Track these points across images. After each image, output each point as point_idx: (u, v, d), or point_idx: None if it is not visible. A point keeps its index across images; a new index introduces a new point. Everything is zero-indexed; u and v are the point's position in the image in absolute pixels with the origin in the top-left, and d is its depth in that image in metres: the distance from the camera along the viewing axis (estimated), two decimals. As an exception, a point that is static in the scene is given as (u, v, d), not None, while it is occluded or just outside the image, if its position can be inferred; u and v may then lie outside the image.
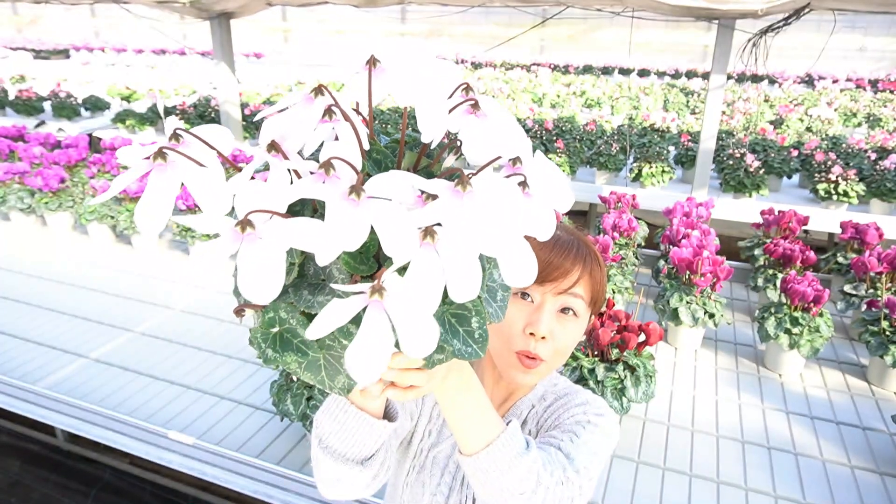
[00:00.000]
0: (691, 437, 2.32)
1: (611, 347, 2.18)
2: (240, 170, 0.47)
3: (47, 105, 8.22)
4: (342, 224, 0.43)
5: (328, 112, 0.51)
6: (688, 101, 9.84)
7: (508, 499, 0.70)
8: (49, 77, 10.83)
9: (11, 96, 8.29)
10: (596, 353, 2.21)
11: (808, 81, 12.88)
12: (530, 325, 0.82)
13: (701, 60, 15.73)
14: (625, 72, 14.72)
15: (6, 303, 3.29)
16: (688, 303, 2.84)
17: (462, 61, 14.84)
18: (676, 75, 14.37)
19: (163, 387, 2.56)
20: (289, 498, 1.97)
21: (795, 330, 2.63)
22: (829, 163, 4.96)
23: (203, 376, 2.63)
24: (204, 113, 7.25)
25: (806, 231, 4.22)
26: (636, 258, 3.44)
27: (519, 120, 6.74)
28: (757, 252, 3.50)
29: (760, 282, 3.27)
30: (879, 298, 2.75)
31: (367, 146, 0.52)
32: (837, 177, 4.75)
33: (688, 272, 2.87)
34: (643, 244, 3.84)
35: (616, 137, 5.60)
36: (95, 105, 8.08)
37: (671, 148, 5.92)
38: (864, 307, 2.84)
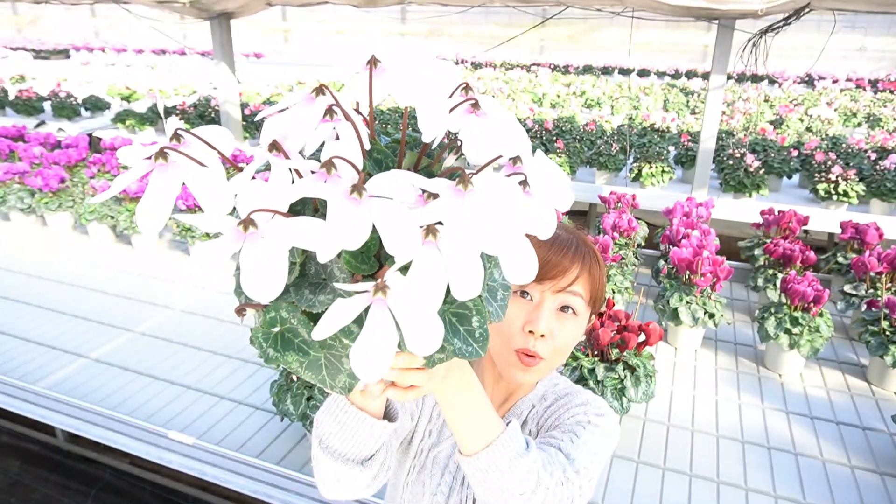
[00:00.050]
0: (691, 437, 2.32)
1: (611, 347, 2.18)
2: (240, 170, 0.47)
3: (47, 105, 8.23)
4: (344, 223, 0.43)
5: (329, 112, 0.51)
6: (688, 101, 9.85)
7: (508, 499, 0.70)
8: (49, 77, 10.83)
9: (11, 96, 8.29)
10: (596, 353, 2.21)
11: (808, 81, 12.88)
12: (529, 322, 0.82)
13: (701, 60, 15.74)
14: (625, 72, 14.73)
15: (6, 303, 3.29)
16: (688, 303, 2.84)
17: (462, 61, 14.84)
18: (676, 75, 14.38)
19: (163, 387, 2.56)
20: (289, 498, 1.97)
21: (795, 330, 2.63)
22: (829, 163, 4.96)
23: (203, 376, 2.63)
24: (204, 113, 7.25)
25: (806, 231, 4.23)
26: (636, 258, 3.44)
27: (519, 120, 6.72)
28: (757, 252, 3.50)
29: (760, 282, 3.28)
30: (879, 298, 2.75)
31: (367, 146, 0.52)
32: (837, 177, 4.75)
33: (688, 272, 2.87)
34: (643, 244, 3.84)
35: (616, 137, 5.60)
36: (95, 105, 8.08)
37: (671, 148, 5.93)
38: (864, 307, 2.84)
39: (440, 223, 0.44)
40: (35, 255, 3.96)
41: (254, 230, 0.43)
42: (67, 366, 2.70)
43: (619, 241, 3.35)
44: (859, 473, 2.15)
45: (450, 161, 0.57)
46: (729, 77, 9.04)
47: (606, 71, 14.89)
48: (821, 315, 2.68)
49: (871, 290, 2.98)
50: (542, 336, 0.82)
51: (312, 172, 0.47)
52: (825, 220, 4.47)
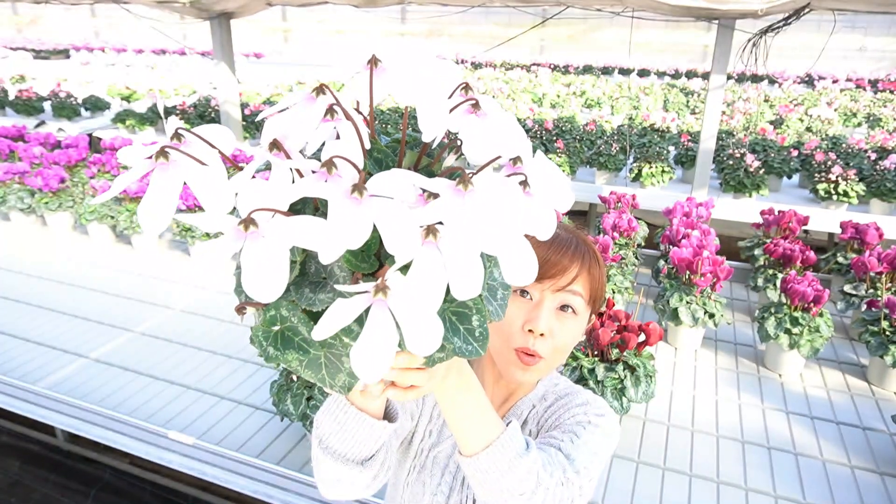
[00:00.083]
0: (691, 437, 2.32)
1: (611, 347, 2.18)
2: (241, 169, 0.47)
3: (47, 105, 8.23)
4: (344, 222, 0.43)
5: (330, 111, 0.51)
6: (688, 101, 9.85)
7: (508, 499, 0.70)
8: (49, 77, 10.83)
9: (11, 96, 8.29)
10: (596, 353, 2.21)
11: (808, 81, 12.88)
12: (529, 321, 0.82)
13: (701, 60, 15.74)
14: (625, 72, 14.73)
15: (6, 303, 3.29)
16: (688, 303, 2.84)
17: (462, 61, 14.84)
18: (676, 75, 14.38)
19: (163, 387, 2.56)
20: (289, 498, 1.97)
21: (795, 330, 2.63)
22: (829, 163, 4.96)
23: (203, 376, 2.63)
24: (204, 113, 7.25)
25: (806, 231, 4.23)
26: (636, 258, 3.44)
27: (519, 120, 6.71)
28: (757, 252, 3.50)
29: (760, 282, 3.28)
30: (879, 298, 2.75)
31: (368, 145, 0.52)
32: (837, 177, 4.75)
33: (688, 272, 2.87)
34: (643, 244, 3.84)
35: (616, 137, 5.60)
36: (95, 105, 8.08)
37: (671, 148, 5.93)
38: (864, 307, 2.84)
39: (440, 223, 0.44)
40: (35, 255, 3.96)
41: (254, 229, 0.43)
42: (67, 366, 2.70)
43: (619, 241, 3.35)
44: (859, 473, 2.15)
45: (450, 161, 0.57)
46: (729, 77, 9.04)
47: (606, 71, 14.89)
48: (821, 315, 2.68)
49: (871, 290, 2.98)
50: (541, 335, 0.82)
51: (313, 172, 0.47)
52: (825, 220, 4.47)
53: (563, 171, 5.29)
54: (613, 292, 2.87)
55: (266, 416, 2.36)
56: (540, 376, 0.89)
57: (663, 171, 5.11)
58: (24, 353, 2.79)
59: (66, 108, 7.67)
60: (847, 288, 3.12)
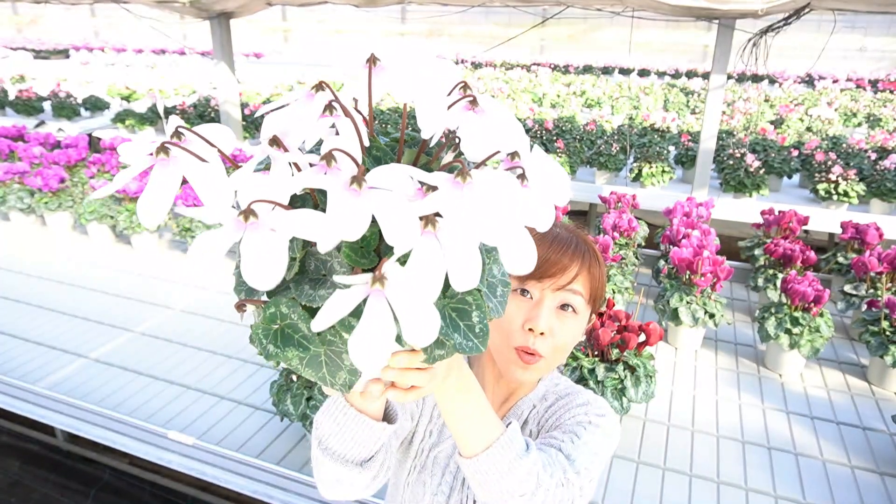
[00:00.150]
0: (691, 437, 2.32)
1: (611, 347, 2.18)
2: (240, 168, 0.48)
3: (47, 105, 8.23)
4: (344, 213, 0.44)
5: (328, 108, 0.51)
6: (688, 101, 9.85)
7: (508, 500, 0.70)
8: (49, 77, 10.83)
9: (11, 96, 8.29)
10: (596, 353, 2.21)
11: (809, 81, 12.89)
12: (529, 320, 0.82)
13: (701, 60, 15.75)
14: (625, 72, 14.73)
15: (6, 303, 3.29)
16: (688, 303, 2.84)
17: (462, 61, 14.84)
18: (676, 75, 14.38)
19: (163, 387, 2.56)
20: (289, 498, 1.97)
21: (796, 330, 2.63)
22: (830, 163, 4.96)
23: (203, 376, 2.63)
24: (204, 113, 7.25)
25: (806, 231, 4.23)
26: (636, 258, 3.44)
27: (519, 120, 6.72)
28: (757, 252, 3.50)
29: (761, 282, 3.27)
30: (880, 298, 2.75)
31: (367, 143, 0.52)
32: (838, 177, 4.75)
33: (688, 272, 2.87)
34: (643, 244, 3.84)
35: (616, 137, 5.60)
36: (95, 105, 8.09)
37: (671, 148, 5.93)
38: (864, 307, 2.84)
39: (439, 215, 0.45)
40: (35, 255, 3.96)
41: (254, 220, 0.44)
42: (67, 366, 2.70)
43: (620, 241, 3.34)
44: (859, 473, 2.15)
45: (448, 159, 0.57)
46: (729, 77, 9.04)
47: (606, 71, 14.89)
48: (821, 315, 2.68)
49: (872, 290, 2.98)
50: (541, 334, 0.82)
51: (311, 165, 0.48)
52: (825, 220, 4.47)
53: (565, 173, 5.28)
54: (613, 292, 2.87)
55: (266, 416, 2.36)
56: (540, 375, 0.89)
57: (663, 171, 5.11)
58: (23, 353, 2.79)
59: (65, 108, 7.67)
60: (847, 288, 3.12)
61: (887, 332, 2.61)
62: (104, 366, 2.71)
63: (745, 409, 2.50)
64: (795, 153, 5.50)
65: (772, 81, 12.54)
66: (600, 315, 2.18)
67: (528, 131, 6.18)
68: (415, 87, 0.51)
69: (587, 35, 16.35)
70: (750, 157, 4.98)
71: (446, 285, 0.45)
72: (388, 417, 0.75)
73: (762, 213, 3.73)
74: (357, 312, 0.46)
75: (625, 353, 2.19)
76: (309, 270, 0.51)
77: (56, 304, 3.26)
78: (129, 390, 2.53)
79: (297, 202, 0.51)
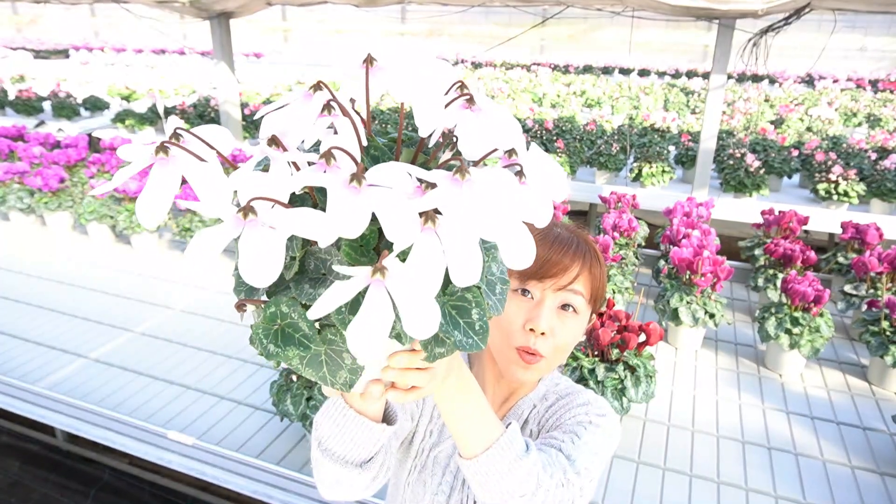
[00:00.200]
0: (691, 437, 2.31)
1: (611, 347, 2.18)
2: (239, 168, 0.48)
3: (47, 105, 8.23)
4: (344, 211, 0.44)
5: (327, 107, 0.51)
6: (688, 101, 9.85)
7: (508, 501, 0.70)
8: (49, 77, 10.83)
9: (11, 96, 8.29)
10: (596, 353, 2.21)
11: (809, 81, 12.88)
12: (530, 321, 0.82)
13: (701, 60, 15.74)
14: (625, 71, 14.72)
15: (6, 303, 3.29)
16: (688, 303, 2.84)
17: (462, 61, 14.84)
18: (677, 75, 14.38)
19: (163, 387, 2.56)
20: (289, 498, 1.97)
21: (796, 330, 2.63)
22: (830, 163, 4.96)
23: (203, 376, 2.63)
24: (204, 113, 7.25)
25: (806, 231, 4.22)
26: (636, 258, 3.44)
27: (519, 120, 6.74)
28: (757, 252, 3.50)
29: (761, 282, 3.27)
30: (880, 298, 2.74)
31: (365, 142, 0.53)
32: (838, 177, 4.75)
33: (688, 272, 2.87)
34: (643, 244, 3.84)
35: (616, 137, 5.60)
36: (95, 105, 8.09)
37: (671, 148, 5.92)
38: (864, 307, 2.84)
39: (438, 212, 0.45)
40: (35, 255, 3.96)
41: (253, 217, 0.44)
42: (67, 366, 2.70)
43: (620, 241, 3.34)
44: (859, 473, 2.15)
45: (445, 157, 0.58)
46: (729, 77, 9.04)
47: (606, 70, 14.88)
48: (821, 315, 2.68)
49: (872, 291, 2.98)
50: (542, 334, 0.82)
51: (309, 164, 0.48)
52: (826, 220, 4.47)
53: (563, 170, 5.28)
54: (614, 292, 2.87)
55: (266, 416, 2.36)
56: (541, 375, 0.89)
57: (663, 171, 5.11)
58: (23, 353, 2.79)
59: (65, 108, 7.67)
60: (847, 288, 3.12)
61: (887, 332, 2.61)
62: (104, 366, 2.71)
63: (746, 410, 2.49)
64: (795, 153, 5.50)
65: (772, 81, 12.54)
66: (600, 315, 2.18)
67: (528, 131, 6.18)
68: (412, 87, 0.51)
69: (587, 35, 16.35)
70: (750, 157, 4.98)
71: (446, 282, 0.45)
72: (387, 419, 0.75)
73: (762, 213, 3.73)
74: (355, 309, 0.46)
75: (625, 353, 2.19)
76: (309, 270, 0.51)
77: (56, 304, 3.25)
78: (129, 390, 2.53)
79: (296, 202, 0.51)
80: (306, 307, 0.50)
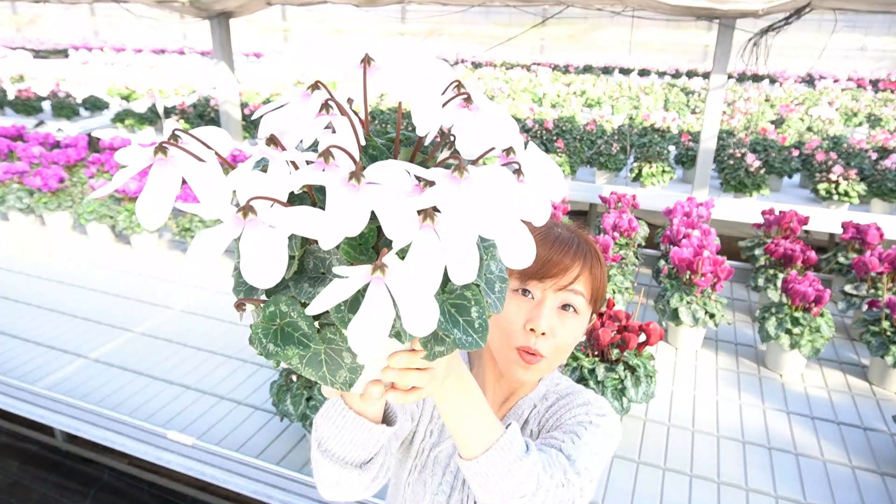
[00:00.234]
0: (692, 437, 2.31)
1: (611, 347, 2.18)
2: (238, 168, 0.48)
3: (46, 105, 8.23)
4: (343, 209, 0.44)
5: (325, 107, 0.51)
6: (688, 101, 9.84)
7: (508, 501, 0.70)
8: (48, 77, 10.83)
9: (11, 96, 8.29)
10: (596, 353, 2.20)
11: (809, 81, 12.88)
12: (531, 321, 0.82)
13: (701, 60, 15.74)
14: (625, 71, 14.71)
15: (6, 303, 3.28)
16: (688, 303, 2.84)
17: (462, 61, 14.84)
18: (677, 75, 14.37)
19: (162, 387, 2.56)
20: (288, 498, 1.97)
21: (796, 330, 2.63)
22: (830, 162, 4.96)
23: (203, 376, 2.63)
24: (203, 113, 7.25)
25: (807, 231, 4.22)
26: (636, 258, 3.43)
27: (519, 120, 6.73)
28: (757, 252, 3.50)
29: (761, 282, 3.27)
30: (880, 298, 2.74)
31: (363, 142, 0.53)
32: (838, 177, 4.75)
33: (688, 272, 2.86)
34: (643, 244, 3.84)
35: (616, 137, 5.60)
36: (94, 105, 8.08)
37: (671, 148, 5.92)
38: (865, 307, 2.84)
39: (437, 209, 0.45)
40: (35, 255, 3.95)
41: (253, 217, 0.44)
42: (67, 366, 2.70)
43: (620, 241, 3.34)
44: (860, 474, 2.15)
45: (443, 156, 0.58)
46: (729, 77, 9.04)
47: (607, 70, 14.88)
48: (822, 315, 2.68)
49: (872, 290, 2.98)
50: (542, 334, 0.82)
51: (308, 163, 0.48)
52: (826, 220, 4.47)
53: (564, 170, 5.29)
54: (614, 292, 2.87)
55: (266, 416, 2.36)
56: (541, 375, 0.89)
57: (664, 171, 5.11)
58: (23, 353, 2.79)
59: (65, 108, 7.67)
60: (848, 288, 3.11)
61: (888, 333, 2.60)
62: (104, 366, 2.70)
63: (746, 410, 2.49)
64: (796, 153, 5.50)
65: (772, 81, 12.53)
66: (601, 315, 2.18)
67: (528, 131, 6.18)
68: (410, 86, 0.51)
69: (587, 35, 16.35)
70: (750, 157, 4.97)
71: (445, 280, 0.45)
72: (387, 420, 0.75)
73: (763, 213, 3.73)
74: (355, 307, 0.46)
75: (625, 354, 2.18)
76: (308, 269, 0.51)
77: (56, 304, 3.25)
78: (129, 390, 2.53)
79: (295, 201, 0.51)
80: (305, 306, 0.50)
